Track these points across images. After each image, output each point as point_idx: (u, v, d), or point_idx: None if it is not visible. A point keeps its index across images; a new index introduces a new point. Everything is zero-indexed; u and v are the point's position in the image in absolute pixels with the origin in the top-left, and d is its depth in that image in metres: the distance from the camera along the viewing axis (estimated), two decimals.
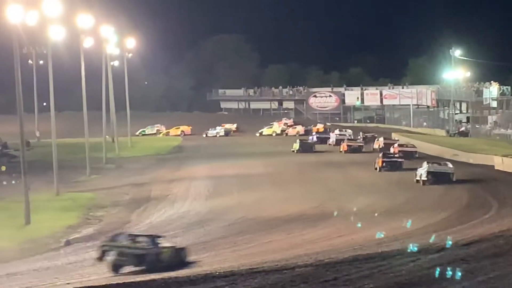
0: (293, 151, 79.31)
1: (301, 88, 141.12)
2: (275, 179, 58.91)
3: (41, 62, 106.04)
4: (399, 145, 71.21)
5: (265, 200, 48.31)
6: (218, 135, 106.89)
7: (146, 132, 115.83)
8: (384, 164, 59.81)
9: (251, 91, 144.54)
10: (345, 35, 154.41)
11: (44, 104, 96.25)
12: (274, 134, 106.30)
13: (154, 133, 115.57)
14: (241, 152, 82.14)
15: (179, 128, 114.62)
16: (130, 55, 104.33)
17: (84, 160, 68.02)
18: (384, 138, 78.67)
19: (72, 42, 70.34)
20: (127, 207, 49.67)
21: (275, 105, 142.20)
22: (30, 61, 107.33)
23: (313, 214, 41.18)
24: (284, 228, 36.27)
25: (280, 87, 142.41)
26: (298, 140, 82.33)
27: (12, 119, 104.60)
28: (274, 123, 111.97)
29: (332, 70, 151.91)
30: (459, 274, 16.95)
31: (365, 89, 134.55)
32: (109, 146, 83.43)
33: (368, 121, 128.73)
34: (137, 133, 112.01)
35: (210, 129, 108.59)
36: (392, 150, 67.68)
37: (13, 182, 57.05)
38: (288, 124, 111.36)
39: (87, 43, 74.70)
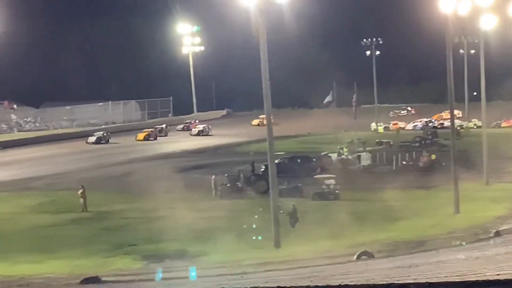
0: None
1: None
2: None
3: (472, 51, 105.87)
4: None
5: None
6: None
7: None
8: None
9: None
10: None
11: (475, 93, 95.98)
12: None
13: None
14: None
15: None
16: None
17: None
18: None
19: (504, 31, 69.27)
20: None
21: None
22: (461, 51, 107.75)
23: None
24: None
25: None
26: None
27: (441, 108, 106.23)
28: None
29: None
30: None
31: None
32: None
33: None
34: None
35: None
36: None
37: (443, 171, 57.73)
38: None
39: None
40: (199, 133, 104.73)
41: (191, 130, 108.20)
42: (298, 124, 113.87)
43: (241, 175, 57.61)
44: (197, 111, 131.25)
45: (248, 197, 53.25)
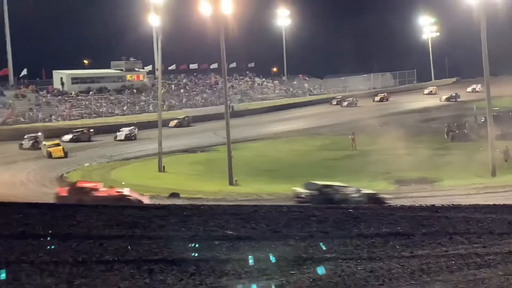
0: None
1: None
2: None
3: None
4: None
5: None
6: None
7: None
8: None
9: None
10: None
11: None
12: None
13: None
14: None
15: None
16: None
17: None
18: None
19: None
20: None
21: None
22: None
23: None
24: None
25: None
26: None
27: None
28: None
29: None
30: None
31: None
32: None
33: None
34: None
35: None
36: None
37: None
38: None
39: None
40: (125, 138, 61.68)
41: (116, 135, 62.51)
42: None
43: (467, 124, 55.96)
44: (434, 79, 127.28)
45: (472, 140, 51.13)
